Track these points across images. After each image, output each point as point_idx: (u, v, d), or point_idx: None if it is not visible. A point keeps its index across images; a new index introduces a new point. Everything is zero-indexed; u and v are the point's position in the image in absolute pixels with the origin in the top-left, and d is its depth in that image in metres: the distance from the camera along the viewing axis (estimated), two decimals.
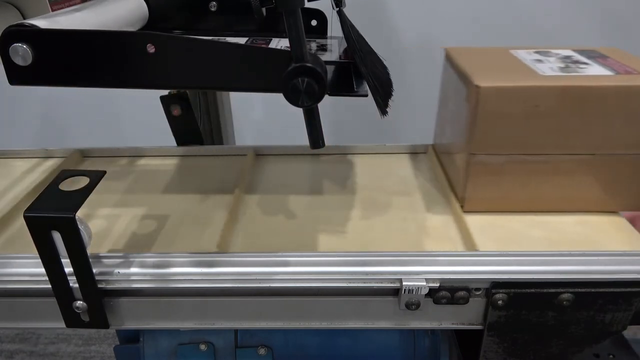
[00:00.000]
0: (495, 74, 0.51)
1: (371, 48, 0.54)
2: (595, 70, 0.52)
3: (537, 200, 0.53)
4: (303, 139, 0.44)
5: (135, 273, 0.44)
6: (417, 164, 0.67)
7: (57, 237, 0.39)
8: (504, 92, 0.48)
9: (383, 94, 0.47)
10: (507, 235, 0.51)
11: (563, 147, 0.50)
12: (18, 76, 0.40)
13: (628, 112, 0.49)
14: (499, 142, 0.50)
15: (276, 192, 0.60)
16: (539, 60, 0.54)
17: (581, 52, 0.58)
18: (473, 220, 0.52)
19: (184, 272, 0.44)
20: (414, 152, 0.70)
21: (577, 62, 0.54)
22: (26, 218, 0.39)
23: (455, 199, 0.56)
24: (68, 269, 0.42)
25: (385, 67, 0.54)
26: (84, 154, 0.70)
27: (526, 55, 0.56)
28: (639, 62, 0.53)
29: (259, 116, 1.27)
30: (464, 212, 0.54)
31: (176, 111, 0.70)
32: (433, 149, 0.68)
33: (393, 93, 0.49)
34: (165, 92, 0.70)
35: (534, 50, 0.58)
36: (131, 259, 0.45)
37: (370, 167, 0.66)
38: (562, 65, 0.53)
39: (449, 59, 0.59)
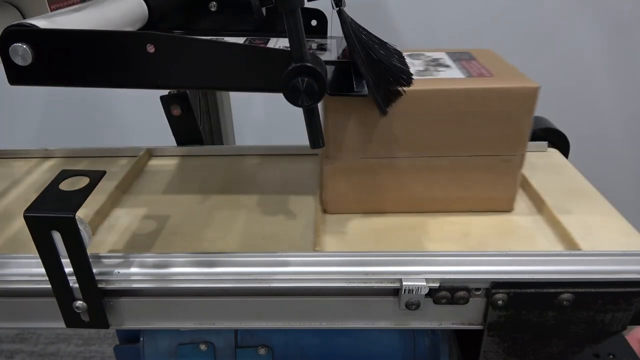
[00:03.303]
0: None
1: (381, 40, 0.54)
2: (449, 73, 0.51)
3: (395, 202, 0.54)
4: (303, 139, 0.44)
5: (135, 273, 0.44)
6: None
7: (57, 237, 0.39)
8: (349, 98, 0.48)
9: (383, 93, 0.47)
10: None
11: (417, 150, 0.50)
12: (18, 76, 0.40)
13: (475, 114, 0.48)
14: (351, 146, 0.50)
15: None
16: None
17: (452, 54, 0.57)
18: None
19: (184, 272, 0.44)
20: None
21: (439, 64, 0.54)
22: (26, 218, 0.39)
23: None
24: (68, 269, 0.42)
25: (399, 54, 0.54)
26: (82, 153, 0.70)
27: None
28: (502, 65, 0.53)
29: (259, 116, 1.27)
30: (326, 213, 0.55)
31: (176, 111, 0.70)
32: None
33: (412, 81, 0.48)
34: (165, 92, 0.70)
35: (408, 52, 0.58)
36: (131, 259, 0.45)
37: None
38: (422, 68, 0.53)
39: None
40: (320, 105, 0.41)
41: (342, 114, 0.49)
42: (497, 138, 0.50)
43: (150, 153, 0.70)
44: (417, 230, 0.52)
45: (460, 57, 0.56)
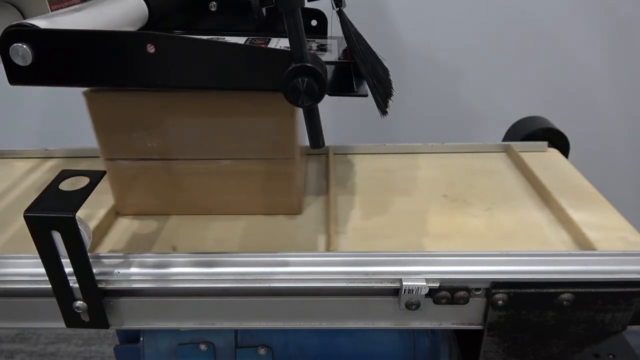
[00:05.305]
0: None
1: (371, 48, 0.54)
2: None
3: (189, 204, 0.54)
4: (303, 139, 0.44)
5: (135, 273, 0.44)
6: None
7: (57, 237, 0.39)
8: (112, 99, 0.48)
9: (383, 93, 0.47)
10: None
11: (192, 153, 0.51)
12: (18, 76, 0.40)
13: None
14: (125, 147, 0.51)
15: None
16: None
17: None
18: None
19: (184, 272, 0.44)
20: None
21: None
22: (26, 218, 0.39)
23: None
24: (68, 269, 0.42)
25: (385, 68, 0.54)
26: (82, 153, 0.70)
27: None
28: None
29: None
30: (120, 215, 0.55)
31: None
32: None
33: (393, 93, 0.49)
34: None
35: None
36: (131, 259, 0.45)
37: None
38: None
39: None
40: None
41: (109, 112, 0.49)
42: None
43: None
44: None
45: None
